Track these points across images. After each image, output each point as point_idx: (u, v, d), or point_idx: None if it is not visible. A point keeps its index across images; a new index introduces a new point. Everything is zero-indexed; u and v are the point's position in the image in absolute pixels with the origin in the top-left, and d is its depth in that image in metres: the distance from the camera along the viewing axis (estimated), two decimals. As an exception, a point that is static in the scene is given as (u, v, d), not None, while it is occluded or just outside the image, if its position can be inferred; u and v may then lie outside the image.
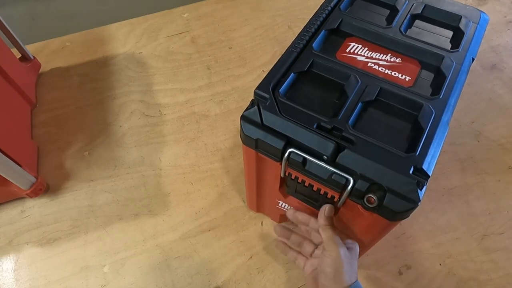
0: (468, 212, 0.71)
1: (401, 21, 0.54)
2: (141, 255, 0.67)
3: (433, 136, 0.43)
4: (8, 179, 0.63)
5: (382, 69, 0.50)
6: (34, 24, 1.07)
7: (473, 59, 0.52)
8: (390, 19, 0.56)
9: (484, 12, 0.56)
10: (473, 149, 0.79)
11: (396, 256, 0.66)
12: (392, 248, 0.67)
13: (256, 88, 0.47)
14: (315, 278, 0.48)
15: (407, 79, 0.49)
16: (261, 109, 0.45)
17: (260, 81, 0.47)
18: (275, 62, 0.50)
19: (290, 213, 0.55)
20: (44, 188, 0.72)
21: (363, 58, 0.51)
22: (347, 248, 0.47)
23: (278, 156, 0.45)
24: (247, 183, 0.62)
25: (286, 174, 0.48)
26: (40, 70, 0.92)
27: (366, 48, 0.53)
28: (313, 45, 0.52)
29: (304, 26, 0.54)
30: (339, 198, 0.45)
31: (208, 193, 0.74)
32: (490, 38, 0.98)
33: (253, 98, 0.47)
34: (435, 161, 0.42)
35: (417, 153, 0.41)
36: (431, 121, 0.43)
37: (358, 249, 0.49)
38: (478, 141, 0.80)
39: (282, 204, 0.59)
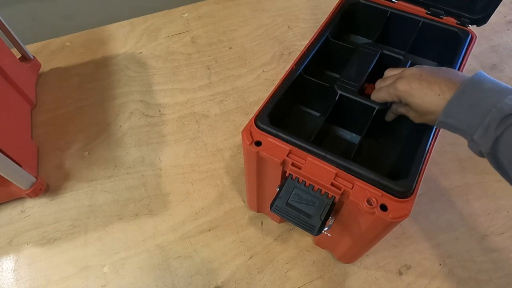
0: (468, 212, 0.71)
1: None
2: (141, 255, 0.67)
3: None
4: (8, 179, 0.63)
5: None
6: (34, 24, 1.07)
7: None
8: None
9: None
10: (473, 149, 0.78)
11: (396, 256, 0.66)
12: (392, 248, 0.67)
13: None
14: None
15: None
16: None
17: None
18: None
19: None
20: (44, 188, 0.72)
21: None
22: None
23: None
24: (247, 183, 0.61)
25: (287, 174, 0.48)
26: (40, 70, 0.92)
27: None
28: None
29: None
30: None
31: (208, 193, 0.74)
32: (490, 38, 0.98)
33: None
34: None
35: None
36: None
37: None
38: (478, 141, 0.80)
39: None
